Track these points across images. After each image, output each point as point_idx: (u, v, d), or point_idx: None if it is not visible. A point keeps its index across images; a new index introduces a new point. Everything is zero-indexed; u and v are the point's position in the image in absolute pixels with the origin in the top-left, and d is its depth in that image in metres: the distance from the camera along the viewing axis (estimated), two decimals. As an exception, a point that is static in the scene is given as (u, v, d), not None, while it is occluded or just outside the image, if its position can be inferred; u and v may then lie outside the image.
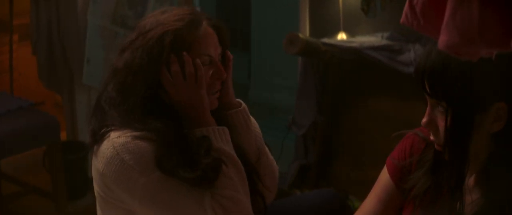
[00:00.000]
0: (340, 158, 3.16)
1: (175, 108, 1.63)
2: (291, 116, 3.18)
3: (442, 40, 0.88)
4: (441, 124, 1.38)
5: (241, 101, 1.76)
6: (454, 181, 1.43)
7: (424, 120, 1.41)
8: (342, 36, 2.97)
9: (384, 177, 1.63)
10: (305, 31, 3.15)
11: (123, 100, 1.60)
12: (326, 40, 2.94)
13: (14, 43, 3.67)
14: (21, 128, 2.96)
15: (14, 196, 3.28)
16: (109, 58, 3.27)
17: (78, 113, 3.55)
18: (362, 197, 1.71)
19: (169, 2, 3.13)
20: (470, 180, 1.45)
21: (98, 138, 1.62)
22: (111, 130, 1.60)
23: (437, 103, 1.37)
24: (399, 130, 1.66)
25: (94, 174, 1.65)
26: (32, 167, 3.51)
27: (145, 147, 1.56)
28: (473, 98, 1.32)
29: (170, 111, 1.63)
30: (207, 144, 1.59)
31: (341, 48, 2.87)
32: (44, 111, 3.22)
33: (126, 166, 1.54)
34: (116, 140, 1.57)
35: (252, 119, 1.79)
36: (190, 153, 1.57)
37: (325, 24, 3.11)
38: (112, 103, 1.63)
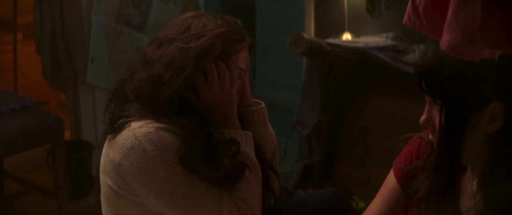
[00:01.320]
0: (344, 158, 3.16)
1: (201, 108, 1.63)
2: (295, 116, 3.18)
3: (445, 40, 0.88)
4: (437, 122, 1.37)
5: (260, 101, 1.80)
6: (447, 181, 1.42)
7: (422, 117, 1.41)
8: (347, 36, 2.97)
9: (390, 180, 1.63)
10: (310, 31, 3.14)
11: (155, 94, 1.59)
12: (330, 40, 2.93)
13: (18, 42, 3.67)
14: (25, 126, 2.96)
15: (17, 194, 3.28)
16: (113, 57, 3.26)
17: (82, 112, 3.55)
18: (366, 197, 1.71)
19: (174, 2, 3.13)
20: (474, 183, 1.44)
21: (115, 127, 1.60)
22: (132, 120, 1.58)
23: (434, 101, 1.37)
24: (403, 130, 1.65)
25: (107, 166, 1.62)
26: (35, 166, 3.51)
27: (169, 139, 1.54)
28: (468, 97, 1.32)
29: (195, 110, 1.63)
30: (236, 146, 1.59)
31: (345, 48, 2.87)
32: (48, 110, 3.21)
33: (148, 156, 1.52)
34: (138, 130, 1.54)
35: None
36: (215, 152, 1.57)
37: (330, 24, 3.10)
38: (139, 94, 1.61)
